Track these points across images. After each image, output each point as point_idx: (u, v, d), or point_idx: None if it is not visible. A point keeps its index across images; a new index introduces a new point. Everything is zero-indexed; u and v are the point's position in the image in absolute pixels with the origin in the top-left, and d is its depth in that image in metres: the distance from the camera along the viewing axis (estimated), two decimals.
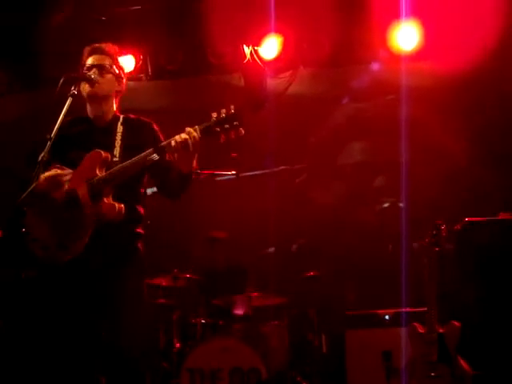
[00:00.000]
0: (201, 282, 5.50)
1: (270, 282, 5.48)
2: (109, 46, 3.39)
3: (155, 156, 2.94)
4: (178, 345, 5.04)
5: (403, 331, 4.51)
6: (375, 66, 6.44)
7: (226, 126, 2.82)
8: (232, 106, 2.85)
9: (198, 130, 2.89)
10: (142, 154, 2.94)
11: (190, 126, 2.91)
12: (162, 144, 2.96)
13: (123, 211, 2.94)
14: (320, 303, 5.23)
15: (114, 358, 3.00)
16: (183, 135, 2.88)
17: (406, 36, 6.15)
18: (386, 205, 6.46)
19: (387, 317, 4.87)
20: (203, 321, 5.11)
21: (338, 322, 5.07)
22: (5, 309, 5.42)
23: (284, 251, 6.19)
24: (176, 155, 2.93)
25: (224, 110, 2.84)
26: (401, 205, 6.18)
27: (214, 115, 2.85)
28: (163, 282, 5.19)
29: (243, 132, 2.85)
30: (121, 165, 2.98)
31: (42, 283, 3.30)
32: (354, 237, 6.28)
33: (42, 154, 2.85)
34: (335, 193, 6.60)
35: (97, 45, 3.37)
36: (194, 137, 2.86)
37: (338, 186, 6.66)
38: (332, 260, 6.16)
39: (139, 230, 3.23)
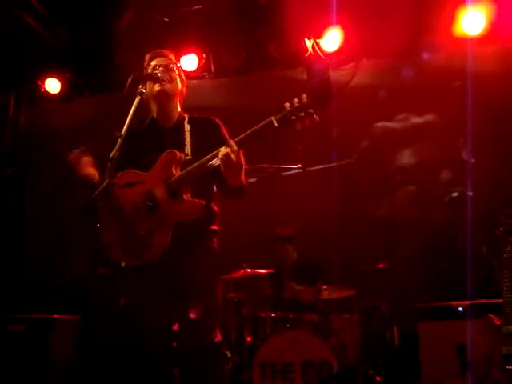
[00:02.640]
0: (270, 276, 5.51)
1: (339, 275, 5.44)
2: (169, 51, 3.50)
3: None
4: (248, 339, 5.07)
5: (478, 323, 4.39)
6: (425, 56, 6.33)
7: (302, 114, 2.86)
8: (304, 95, 2.89)
9: (234, 145, 2.90)
10: (215, 153, 2.98)
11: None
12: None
13: (204, 208, 3.02)
14: (391, 295, 5.15)
15: (191, 351, 3.06)
16: (224, 149, 2.92)
17: (472, 21, 6.00)
18: (455, 194, 6.29)
19: (461, 309, 4.75)
20: (273, 315, 5.13)
21: (410, 315, 4.97)
22: (83, 304, 5.63)
23: (352, 244, 6.12)
24: (223, 167, 2.95)
25: (296, 100, 2.89)
26: (470, 194, 6.01)
27: (288, 105, 2.89)
28: (233, 276, 5.23)
29: (318, 119, 2.88)
30: (198, 162, 3.05)
31: (118, 280, 3.40)
32: (424, 228, 6.16)
33: (113, 152, 2.95)
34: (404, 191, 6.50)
35: (158, 50, 3.47)
36: (234, 151, 2.89)
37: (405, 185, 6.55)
38: (402, 251, 6.07)
39: (215, 227, 3.30)
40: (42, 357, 4.86)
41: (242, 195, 3.21)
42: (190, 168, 3.05)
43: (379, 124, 6.66)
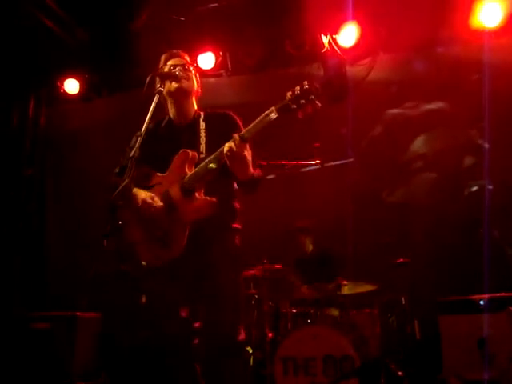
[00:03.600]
0: (290, 271, 5.53)
1: (359, 269, 5.45)
2: (184, 52, 3.52)
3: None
4: (270, 334, 5.09)
5: (498, 316, 4.38)
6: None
7: (302, 101, 2.83)
8: (305, 82, 2.85)
9: (237, 138, 2.91)
10: (219, 150, 3.00)
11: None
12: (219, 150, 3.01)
13: (216, 205, 3.02)
14: (411, 289, 5.14)
15: (214, 349, 3.08)
16: (228, 144, 2.93)
17: (489, 13, 5.97)
18: (474, 188, 6.25)
19: (482, 302, 4.73)
20: (294, 310, 5.15)
21: (431, 308, 4.96)
22: (105, 302, 5.70)
23: (371, 238, 6.11)
24: (228, 163, 2.96)
25: (298, 87, 2.85)
26: (489, 187, 5.97)
27: (289, 93, 2.86)
28: (253, 273, 5.25)
29: (320, 105, 2.85)
30: (207, 160, 3.07)
31: (140, 277, 3.44)
32: (443, 223, 6.13)
33: (134, 150, 2.99)
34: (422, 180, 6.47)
35: (173, 51, 3.50)
36: (237, 145, 2.89)
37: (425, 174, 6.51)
38: (421, 245, 6.06)
39: (236, 225, 3.30)
40: (65, 354, 4.93)
41: (254, 189, 3.20)
42: (200, 166, 3.07)
43: (395, 111, 6.63)
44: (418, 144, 6.56)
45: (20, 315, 5.45)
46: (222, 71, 7.00)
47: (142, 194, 3.15)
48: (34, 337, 4.99)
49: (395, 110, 6.64)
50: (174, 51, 3.49)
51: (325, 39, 6.50)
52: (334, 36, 6.47)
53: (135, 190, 3.18)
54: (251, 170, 3.03)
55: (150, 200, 3.12)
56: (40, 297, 7.25)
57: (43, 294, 7.28)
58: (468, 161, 6.32)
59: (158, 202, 3.11)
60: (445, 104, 6.41)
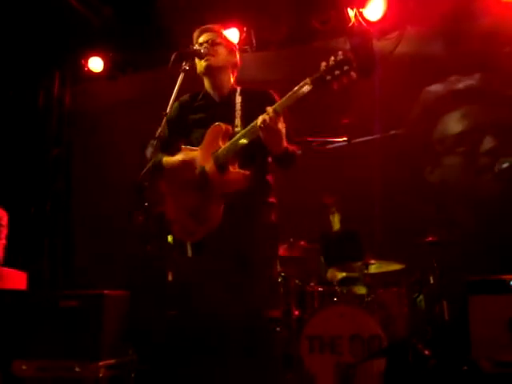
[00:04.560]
0: (317, 249, 5.50)
1: (386, 247, 5.39)
2: (215, 26, 3.46)
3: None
4: (296, 312, 5.07)
5: None
6: None
7: (337, 72, 2.73)
8: (340, 52, 2.75)
9: (271, 111, 2.85)
10: (253, 123, 2.96)
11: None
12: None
13: (249, 178, 2.99)
14: (440, 269, 5.06)
15: (247, 325, 3.04)
16: (261, 116, 2.87)
17: None
18: (505, 165, 6.12)
19: None
20: (321, 289, 5.12)
21: (460, 288, 4.89)
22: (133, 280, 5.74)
23: (399, 216, 6.04)
24: (262, 136, 2.91)
25: (332, 58, 2.76)
26: None
27: (324, 64, 2.77)
28: (280, 251, 5.22)
29: (355, 76, 2.75)
30: (240, 133, 3.04)
31: (166, 255, 3.44)
32: (474, 198, 6.04)
33: (159, 130, 2.98)
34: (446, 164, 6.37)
35: (203, 26, 3.43)
36: (271, 117, 2.84)
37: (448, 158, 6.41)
38: (452, 222, 5.97)
39: (271, 200, 3.27)
40: (93, 331, 4.98)
41: (290, 163, 3.15)
42: (233, 139, 3.04)
43: (430, 88, 6.50)
44: (450, 122, 6.43)
45: (49, 294, 5.51)
46: (246, 47, 6.93)
47: (178, 171, 3.12)
48: (63, 314, 5.04)
49: (430, 87, 6.50)
50: (204, 26, 3.42)
51: (351, 13, 6.39)
52: (360, 10, 6.36)
53: (166, 158, 3.17)
54: (285, 143, 2.99)
55: (186, 176, 3.09)
56: (68, 275, 7.35)
57: (71, 273, 7.38)
58: (497, 139, 6.19)
59: (194, 178, 3.08)
60: (476, 80, 6.26)
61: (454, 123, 6.40)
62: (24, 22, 6.72)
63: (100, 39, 7.19)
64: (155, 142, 2.97)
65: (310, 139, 5.02)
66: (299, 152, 3.17)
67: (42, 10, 6.67)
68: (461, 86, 6.36)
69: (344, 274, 5.40)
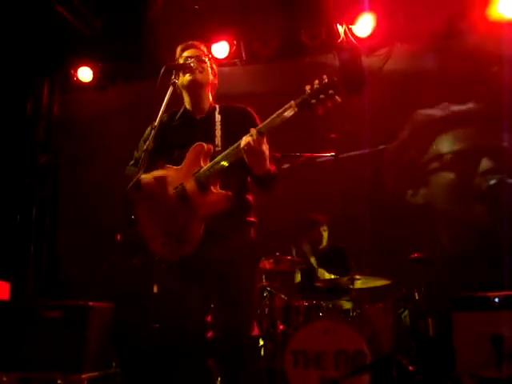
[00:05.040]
0: (302, 264, 5.49)
1: (372, 263, 5.40)
2: (199, 44, 3.44)
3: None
4: (281, 327, 5.07)
5: None
6: None
7: (322, 96, 2.74)
8: (325, 76, 2.75)
9: (254, 133, 2.85)
10: (236, 144, 2.94)
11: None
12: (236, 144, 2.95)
13: (231, 198, 2.97)
14: (425, 285, 5.08)
15: (227, 344, 3.04)
16: (245, 138, 2.86)
17: (508, 3, 5.89)
18: (492, 181, 6.17)
19: (497, 299, 4.66)
20: (306, 303, 5.12)
21: (445, 305, 4.91)
22: (117, 292, 5.70)
23: (385, 233, 6.06)
24: (245, 157, 2.91)
25: (317, 81, 2.76)
26: (510, 181, 5.89)
27: (308, 88, 2.77)
28: (266, 265, 5.22)
29: (340, 100, 2.75)
30: (223, 154, 3.01)
31: (152, 269, 3.42)
32: (460, 217, 6.08)
33: (147, 143, 2.98)
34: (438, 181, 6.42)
35: (189, 42, 3.42)
36: (255, 140, 2.83)
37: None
38: (437, 240, 6.01)
39: (251, 219, 3.25)
40: (76, 343, 4.94)
41: (271, 185, 3.15)
42: (215, 160, 3.02)
43: (421, 112, 6.56)
44: (438, 143, 6.48)
45: (32, 303, 5.47)
46: (236, 60, 6.96)
47: (159, 188, 3.11)
48: (46, 325, 5.00)
49: (419, 110, 6.56)
50: (190, 42, 3.41)
51: (340, 29, 6.44)
52: (349, 26, 6.41)
53: (144, 175, 3.11)
54: (268, 165, 2.98)
55: (165, 194, 3.07)
56: (52, 285, 7.29)
57: (55, 282, 7.32)
58: (486, 162, 6.24)
59: (174, 196, 3.06)
60: (465, 103, 6.32)
61: (445, 145, 6.45)
62: (14, 31, 6.70)
63: (89, 49, 7.19)
64: (142, 154, 2.95)
65: (297, 154, 5.03)
66: (277, 172, 3.15)
67: (33, 20, 6.66)
68: (452, 109, 6.43)
69: (332, 276, 5.39)
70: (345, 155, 5.98)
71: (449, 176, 6.40)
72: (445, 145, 6.44)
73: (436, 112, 6.49)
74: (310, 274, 5.61)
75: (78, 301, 5.16)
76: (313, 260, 5.68)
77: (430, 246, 5.53)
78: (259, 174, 3.00)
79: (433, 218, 6.26)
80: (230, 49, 6.71)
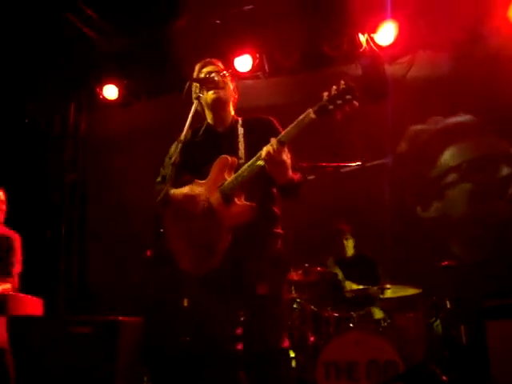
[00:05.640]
0: (332, 275, 5.47)
1: (403, 272, 5.36)
2: (216, 61, 3.49)
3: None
4: (312, 338, 5.05)
5: None
6: None
7: (339, 101, 2.75)
8: (342, 82, 2.77)
9: (275, 142, 2.86)
10: (258, 155, 2.96)
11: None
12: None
13: (256, 210, 2.99)
14: (457, 293, 5.01)
15: (258, 356, 3.04)
16: (266, 148, 2.88)
17: None
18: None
19: None
20: (336, 314, 5.09)
21: (476, 313, 4.83)
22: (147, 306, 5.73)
23: (412, 241, 6.01)
24: (267, 167, 2.92)
25: (334, 87, 2.78)
26: None
27: (326, 94, 2.79)
28: (294, 276, 5.21)
29: (357, 105, 2.76)
30: (246, 165, 3.04)
31: (182, 282, 3.44)
32: (487, 224, 6.00)
33: (174, 157, 3.01)
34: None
35: (207, 59, 3.47)
36: (275, 149, 2.84)
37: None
38: (465, 249, 5.93)
39: (278, 231, 3.25)
40: (108, 358, 4.96)
41: (294, 194, 3.16)
42: (239, 172, 3.05)
43: (417, 127, 6.52)
44: (451, 153, 6.42)
45: (63, 319, 5.52)
46: (259, 73, 6.99)
47: (186, 203, 3.13)
48: (76, 341, 5.03)
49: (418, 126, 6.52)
50: (208, 59, 3.46)
51: (362, 38, 6.44)
52: (371, 35, 6.40)
53: (173, 190, 3.16)
54: (290, 173, 2.99)
55: (192, 209, 3.10)
56: (82, 300, 7.36)
57: (85, 297, 7.38)
58: (505, 170, 6.17)
59: (200, 210, 3.09)
60: (488, 105, 6.25)
61: (462, 153, 6.39)
62: (41, 52, 6.83)
63: (114, 67, 7.29)
64: (169, 169, 2.99)
65: (324, 164, 5.03)
66: (303, 180, 3.15)
67: (57, 40, 6.78)
68: (466, 118, 6.38)
69: (361, 287, 5.36)
70: (370, 164, 5.94)
71: (465, 186, 6.34)
72: (458, 155, 6.39)
73: (455, 119, 6.45)
74: (336, 286, 5.57)
75: (108, 315, 5.19)
76: (338, 272, 5.64)
77: (458, 253, 5.46)
78: (282, 182, 3.02)
79: (454, 226, 6.19)
80: (253, 62, 6.75)
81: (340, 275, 5.60)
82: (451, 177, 6.36)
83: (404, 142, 6.56)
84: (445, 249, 6.04)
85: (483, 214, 6.10)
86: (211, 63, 3.43)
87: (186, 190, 3.17)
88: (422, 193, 6.44)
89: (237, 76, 3.55)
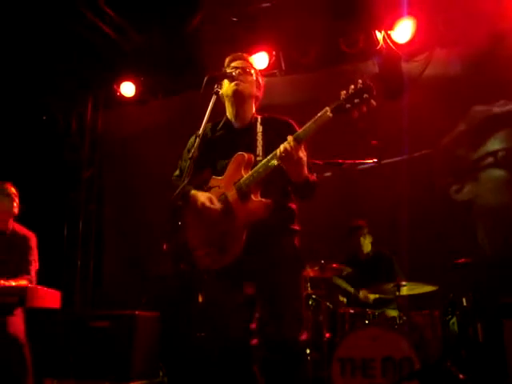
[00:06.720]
0: (347, 271, 5.45)
1: (419, 269, 5.34)
2: (247, 55, 3.49)
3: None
4: (327, 335, 5.04)
5: None
6: None
7: (356, 100, 2.75)
8: (360, 81, 2.77)
9: (291, 140, 2.87)
10: (274, 152, 2.96)
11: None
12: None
13: (271, 207, 2.99)
14: (474, 290, 4.98)
15: (276, 349, 3.02)
16: (282, 145, 2.88)
17: None
18: None
19: None
20: (352, 311, 5.08)
21: (494, 310, 4.80)
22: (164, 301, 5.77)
23: (430, 237, 5.97)
24: (283, 164, 2.92)
25: (352, 86, 2.78)
26: None
27: (343, 92, 2.79)
28: (310, 273, 5.21)
29: (375, 104, 2.76)
30: (262, 162, 3.04)
31: (198, 277, 3.45)
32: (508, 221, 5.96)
33: (192, 151, 3.02)
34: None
35: (238, 53, 3.46)
36: (292, 146, 2.85)
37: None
38: (480, 245, 5.90)
39: (294, 227, 3.24)
40: (124, 352, 5.00)
41: (310, 192, 3.15)
42: (255, 168, 3.05)
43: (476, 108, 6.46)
44: (490, 142, 6.37)
45: (80, 314, 5.57)
46: (275, 71, 7.00)
47: (202, 197, 3.14)
48: (94, 334, 5.08)
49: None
50: (239, 53, 3.45)
51: (379, 35, 6.42)
52: (388, 32, 6.38)
53: (194, 191, 3.18)
54: (306, 172, 2.99)
55: (208, 203, 3.11)
56: (98, 295, 7.42)
57: (102, 292, 7.44)
58: None
59: (217, 205, 3.11)
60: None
61: (495, 142, 6.34)
62: (59, 49, 6.89)
63: (131, 64, 7.33)
64: (187, 162, 3.00)
65: (339, 161, 5.01)
66: (317, 182, 3.15)
67: (75, 38, 6.84)
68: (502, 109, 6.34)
69: (377, 296, 5.35)
70: (387, 161, 5.93)
71: (498, 174, 6.28)
72: (496, 142, 6.33)
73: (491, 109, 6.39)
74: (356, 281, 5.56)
75: (125, 310, 5.24)
76: (350, 288, 5.60)
77: (475, 250, 5.42)
78: (297, 181, 3.01)
79: (479, 217, 6.14)
80: (270, 59, 6.76)
81: (352, 290, 5.56)
82: (487, 161, 6.31)
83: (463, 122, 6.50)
84: (472, 236, 6.01)
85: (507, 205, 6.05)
86: (240, 58, 3.42)
87: (205, 196, 3.15)
88: (458, 174, 6.40)
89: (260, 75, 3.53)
